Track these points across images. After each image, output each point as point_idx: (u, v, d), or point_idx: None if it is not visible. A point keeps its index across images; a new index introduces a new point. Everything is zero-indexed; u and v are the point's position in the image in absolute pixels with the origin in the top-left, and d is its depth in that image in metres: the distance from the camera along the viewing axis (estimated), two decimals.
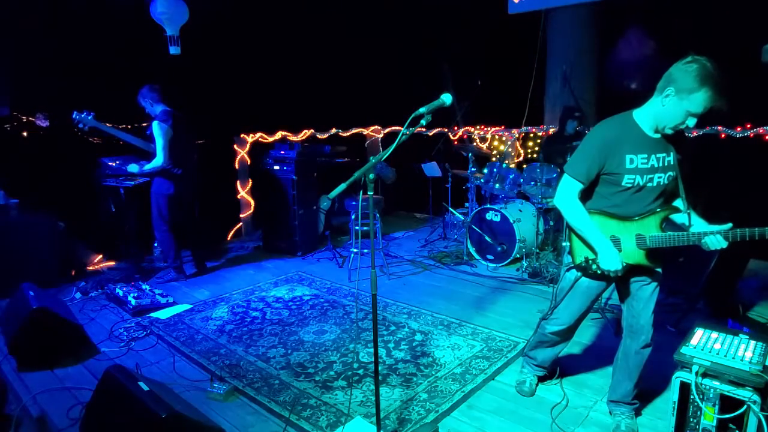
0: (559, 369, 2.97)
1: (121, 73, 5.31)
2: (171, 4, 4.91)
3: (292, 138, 6.54)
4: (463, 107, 6.38)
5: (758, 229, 2.03)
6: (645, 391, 2.65)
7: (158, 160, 4.46)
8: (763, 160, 4.75)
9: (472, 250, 5.29)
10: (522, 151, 7.41)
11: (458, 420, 2.66)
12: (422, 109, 2.06)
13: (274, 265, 5.41)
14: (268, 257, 5.64)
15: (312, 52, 7.16)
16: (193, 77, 5.95)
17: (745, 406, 1.99)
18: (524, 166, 5.26)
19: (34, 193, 4.99)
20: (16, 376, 3.13)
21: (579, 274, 2.40)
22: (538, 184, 4.94)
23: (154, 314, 4.05)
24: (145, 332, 3.75)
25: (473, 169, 5.46)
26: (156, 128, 4.43)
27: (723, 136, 5.10)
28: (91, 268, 5.24)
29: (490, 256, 5.15)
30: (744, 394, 1.99)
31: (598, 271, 2.29)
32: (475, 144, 7.42)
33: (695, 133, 5.07)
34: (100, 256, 5.37)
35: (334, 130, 7.03)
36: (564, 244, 2.48)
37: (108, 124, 4.59)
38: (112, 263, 5.37)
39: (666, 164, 2.21)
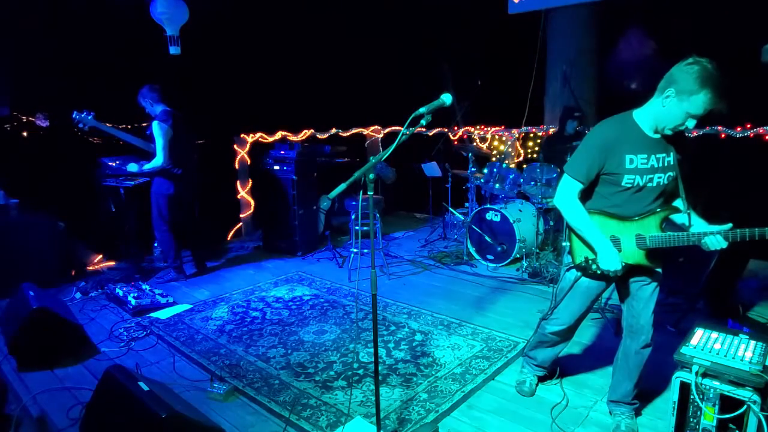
0: (559, 369, 2.97)
1: (121, 73, 5.31)
2: (171, 4, 4.91)
3: (292, 138, 6.54)
4: (463, 107, 6.39)
5: (758, 229, 2.03)
6: (645, 391, 2.65)
7: (158, 160, 4.46)
8: (763, 160, 4.75)
9: (472, 250, 5.29)
10: (522, 151, 7.41)
11: (458, 420, 2.66)
12: (422, 109, 2.06)
13: (274, 265, 5.41)
14: (268, 257, 5.64)
15: (312, 52, 7.16)
16: (193, 77, 5.95)
17: (745, 406, 1.99)
18: (524, 166, 5.26)
19: (34, 193, 4.99)
20: (16, 376, 3.13)
21: (579, 274, 2.40)
22: (538, 184, 4.94)
23: (154, 314, 4.06)
24: (145, 332, 3.75)
25: (473, 169, 5.46)
26: (156, 128, 4.43)
27: (723, 136, 5.10)
28: (91, 268, 5.24)
29: (490, 256, 5.15)
30: (744, 394, 1.99)
31: (598, 271, 2.29)
32: (475, 144, 7.42)
33: (695, 133, 5.07)
34: (100, 256, 5.37)
35: (334, 130, 7.03)
36: (564, 244, 2.48)
37: (108, 124, 4.59)
38: (112, 263, 5.37)
39: (666, 164, 2.21)
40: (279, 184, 5.62)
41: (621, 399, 2.53)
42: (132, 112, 4.95)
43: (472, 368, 3.14)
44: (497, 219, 5.03)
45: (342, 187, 2.09)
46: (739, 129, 5.03)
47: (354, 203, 5.14)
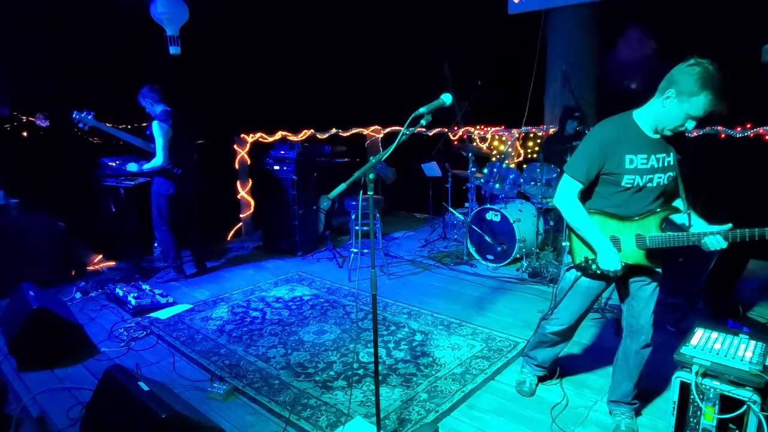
0: (559, 369, 2.97)
1: (121, 73, 5.31)
2: (171, 4, 4.91)
3: (292, 138, 6.54)
4: (463, 107, 6.39)
5: (758, 229, 2.03)
6: (645, 391, 2.65)
7: (158, 160, 4.46)
8: (763, 160, 4.75)
9: (472, 250, 5.29)
10: (522, 151, 7.41)
11: (458, 420, 2.66)
12: (422, 109, 2.06)
13: (274, 265, 5.41)
14: (268, 257, 5.64)
15: (312, 52, 7.16)
16: (193, 77, 5.96)
17: (745, 406, 1.99)
18: (524, 166, 5.26)
19: (34, 193, 4.99)
20: (16, 376, 3.13)
21: (579, 274, 2.40)
22: (538, 184, 4.94)
23: (154, 314, 4.06)
24: (145, 332, 3.75)
25: (473, 169, 5.46)
26: (156, 128, 4.43)
27: (723, 136, 5.10)
28: (91, 268, 5.24)
29: (490, 256, 5.15)
30: (744, 394, 1.99)
31: (598, 271, 2.29)
32: (475, 144, 7.42)
33: (695, 133, 5.07)
34: (100, 256, 5.37)
35: (334, 130, 7.03)
36: (564, 244, 2.48)
37: (108, 124, 4.59)
38: (112, 263, 5.37)
39: (666, 164, 2.21)
40: (279, 184, 5.62)
41: (621, 399, 2.53)
42: (132, 112, 4.95)
43: (472, 368, 3.14)
44: (497, 219, 5.03)
45: (342, 187, 2.09)
46: (739, 129, 5.03)
47: (354, 203, 5.14)
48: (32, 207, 4.80)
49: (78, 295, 4.46)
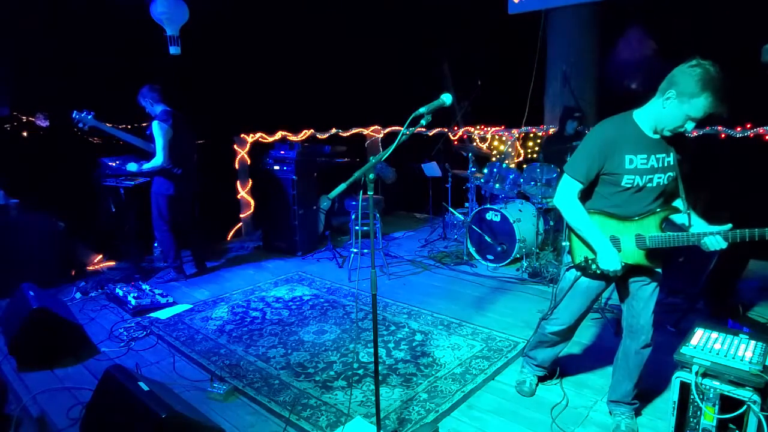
0: (559, 369, 2.97)
1: (121, 73, 5.31)
2: (171, 4, 4.91)
3: (292, 138, 6.54)
4: (463, 107, 6.40)
5: (758, 229, 2.03)
6: (645, 391, 2.65)
7: (158, 160, 4.45)
8: (763, 160, 4.75)
9: (472, 250, 5.29)
10: (522, 151, 7.41)
11: (458, 420, 2.66)
12: (422, 109, 2.06)
13: (274, 265, 5.41)
14: (268, 257, 5.64)
15: (312, 52, 7.16)
16: (193, 77, 5.96)
17: (745, 406, 1.99)
18: (524, 166, 5.26)
19: (34, 193, 4.99)
20: (16, 376, 3.13)
21: (579, 274, 2.40)
22: (538, 184, 4.94)
23: (154, 314, 4.06)
24: (145, 332, 3.75)
25: (473, 169, 5.46)
26: (156, 128, 4.43)
27: (723, 136, 5.10)
28: (91, 268, 5.24)
29: (490, 256, 5.15)
30: (744, 394, 1.99)
31: (598, 271, 2.29)
32: (475, 144, 7.42)
33: (695, 133, 5.07)
34: (100, 256, 5.37)
35: (334, 130, 7.03)
36: (564, 244, 2.48)
37: (108, 124, 4.58)
38: (112, 263, 5.37)
39: (666, 165, 2.21)
40: (279, 184, 5.62)
41: (621, 399, 2.53)
42: (132, 112, 4.95)
43: (472, 368, 3.14)
44: (497, 219, 5.03)
45: (342, 187, 2.09)
46: (739, 129, 5.03)
47: (354, 203, 5.14)
48: (32, 207, 4.80)
49: (78, 295, 4.46)
